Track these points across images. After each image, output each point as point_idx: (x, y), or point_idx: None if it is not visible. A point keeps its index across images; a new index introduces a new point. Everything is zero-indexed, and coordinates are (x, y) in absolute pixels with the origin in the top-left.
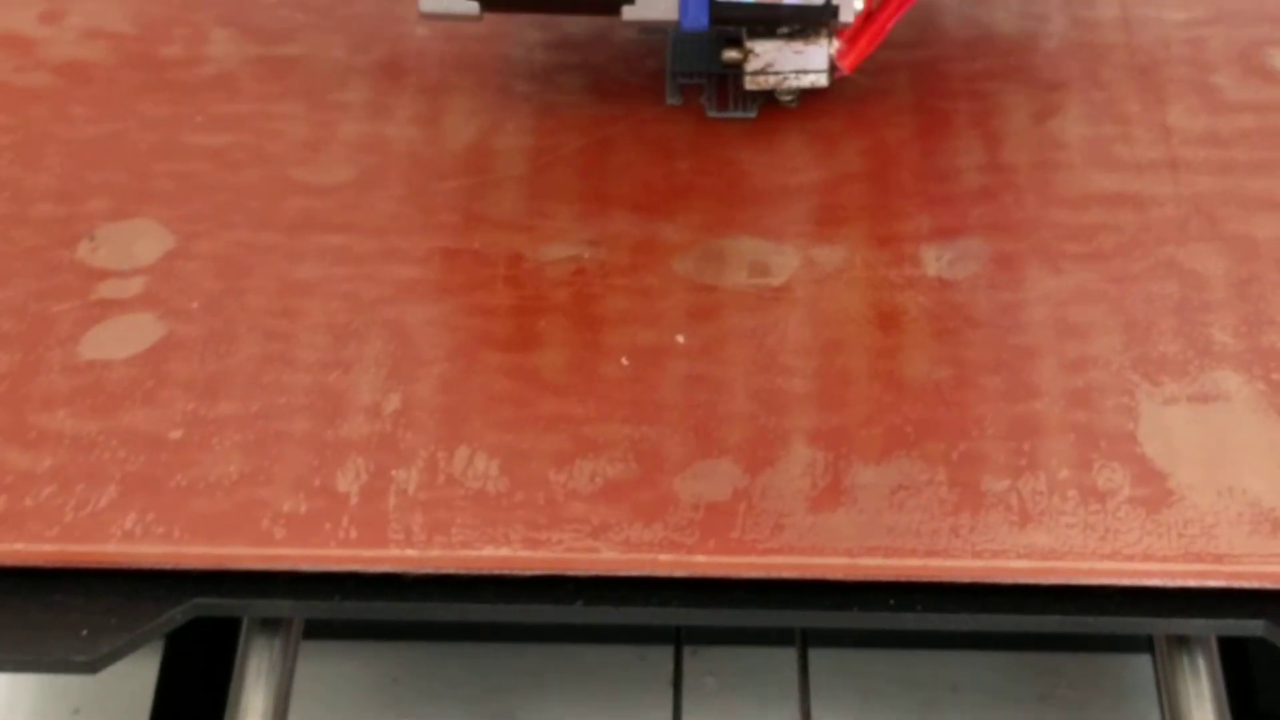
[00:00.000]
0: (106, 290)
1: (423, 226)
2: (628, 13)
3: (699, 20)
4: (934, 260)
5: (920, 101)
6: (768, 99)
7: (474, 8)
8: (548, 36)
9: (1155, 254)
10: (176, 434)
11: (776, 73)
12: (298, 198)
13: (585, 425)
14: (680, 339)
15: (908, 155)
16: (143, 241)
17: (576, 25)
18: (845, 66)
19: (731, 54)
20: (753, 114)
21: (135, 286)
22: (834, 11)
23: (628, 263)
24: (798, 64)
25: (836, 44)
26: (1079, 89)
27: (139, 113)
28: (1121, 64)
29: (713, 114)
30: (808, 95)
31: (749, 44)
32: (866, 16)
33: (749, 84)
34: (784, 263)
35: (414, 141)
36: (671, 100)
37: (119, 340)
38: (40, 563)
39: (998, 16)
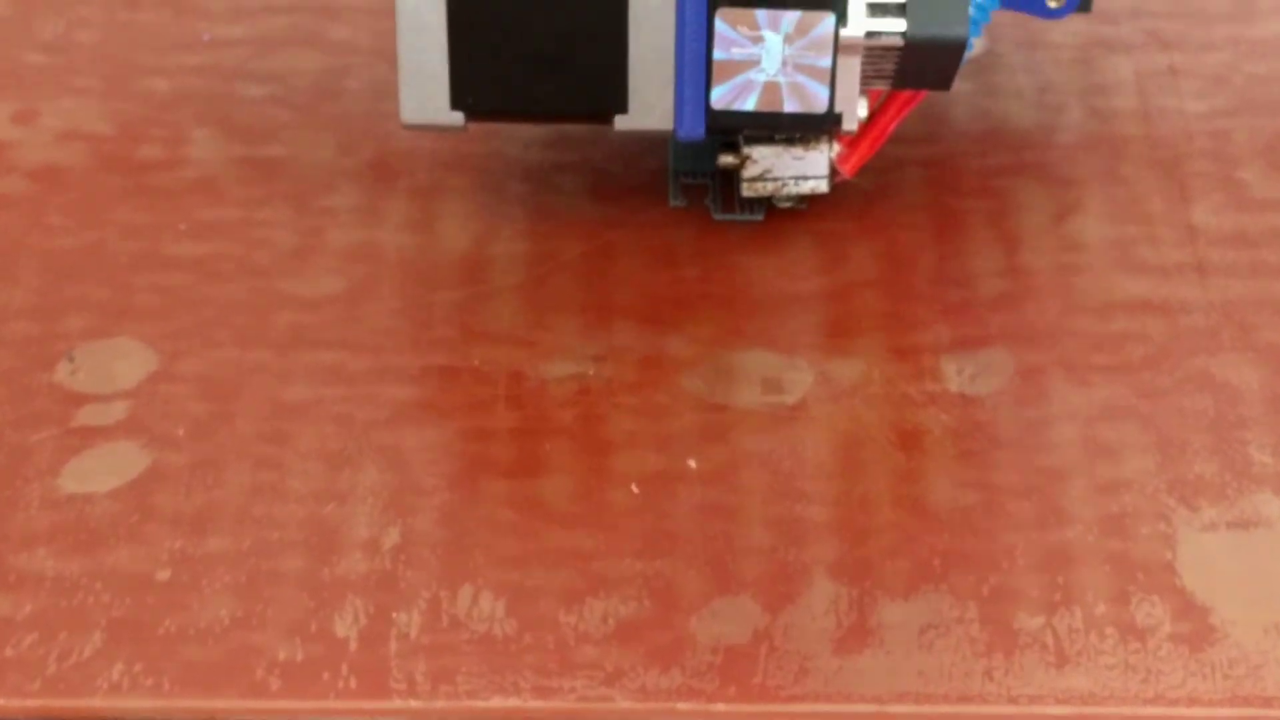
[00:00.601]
0: (87, 416)
1: (418, 342)
2: (620, 122)
3: (695, 129)
4: (955, 374)
5: (933, 200)
6: (768, 204)
7: (459, 119)
8: (544, 133)
9: (1186, 365)
10: (164, 574)
11: (775, 179)
12: (286, 311)
13: (595, 560)
14: (692, 463)
15: (923, 259)
16: (124, 362)
17: None
18: (846, 171)
19: (728, 159)
20: (759, 217)
21: (117, 412)
22: (837, 120)
23: (634, 379)
24: (797, 169)
25: (837, 147)
26: (1099, 185)
27: (118, 221)
28: (1142, 158)
29: (718, 217)
30: (816, 197)
31: (746, 149)
32: (868, 118)
33: (746, 190)
34: (798, 379)
35: (406, 249)
36: (675, 202)
37: (101, 471)
38: (24, 719)
39: (1010, 108)
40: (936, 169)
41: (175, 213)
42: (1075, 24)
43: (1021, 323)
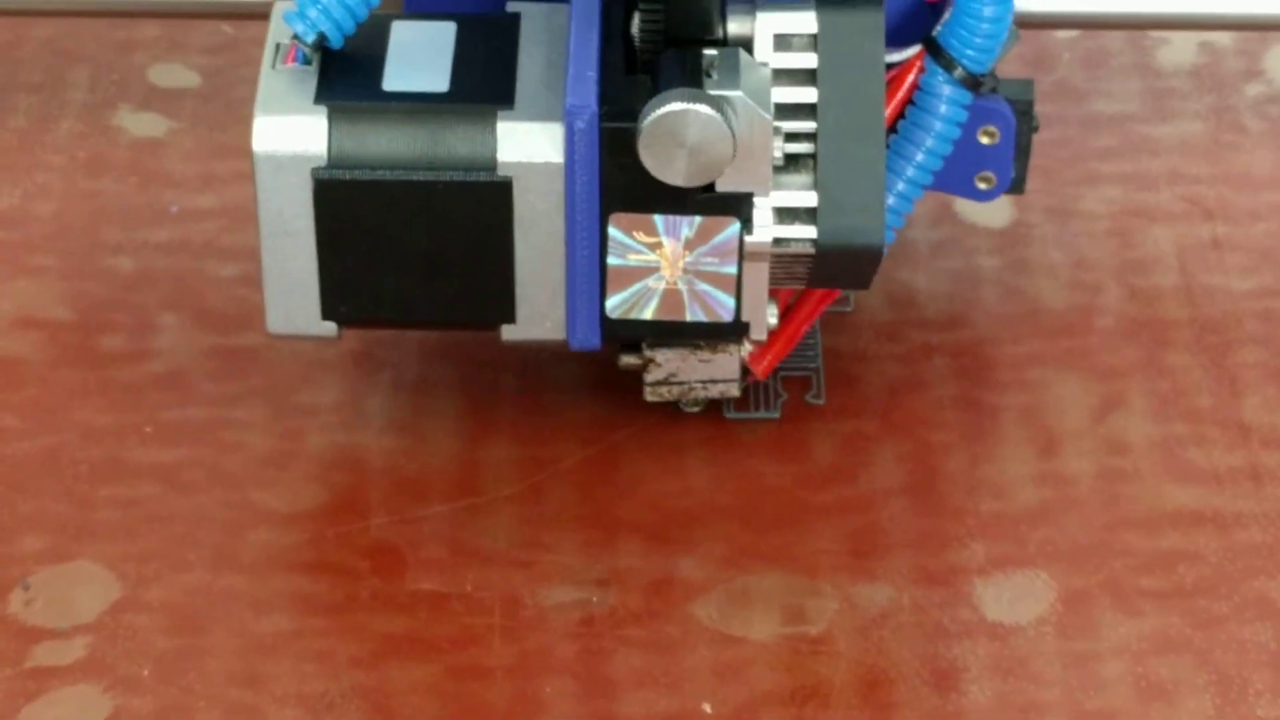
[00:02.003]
0: (43, 655)
1: (405, 564)
2: (507, 332)
3: (589, 340)
4: (992, 600)
5: (963, 394)
6: (700, 406)
7: (331, 329)
8: None
9: (1243, 589)
10: None
11: (681, 382)
12: (261, 528)
13: None
14: (707, 708)
15: (953, 463)
16: (84, 589)
17: None
18: (759, 373)
19: (629, 359)
20: (776, 414)
21: (77, 649)
22: (744, 328)
23: (642, 607)
24: (705, 373)
25: (747, 346)
26: (1142, 377)
27: (78, 422)
28: (1187, 345)
29: (730, 415)
30: (836, 388)
31: (649, 351)
32: (780, 316)
33: (650, 395)
34: (821, 606)
35: (392, 454)
36: None
37: None
38: None
39: (1043, 288)
40: (965, 358)
41: (140, 412)
42: (1110, 190)
43: (1063, 539)
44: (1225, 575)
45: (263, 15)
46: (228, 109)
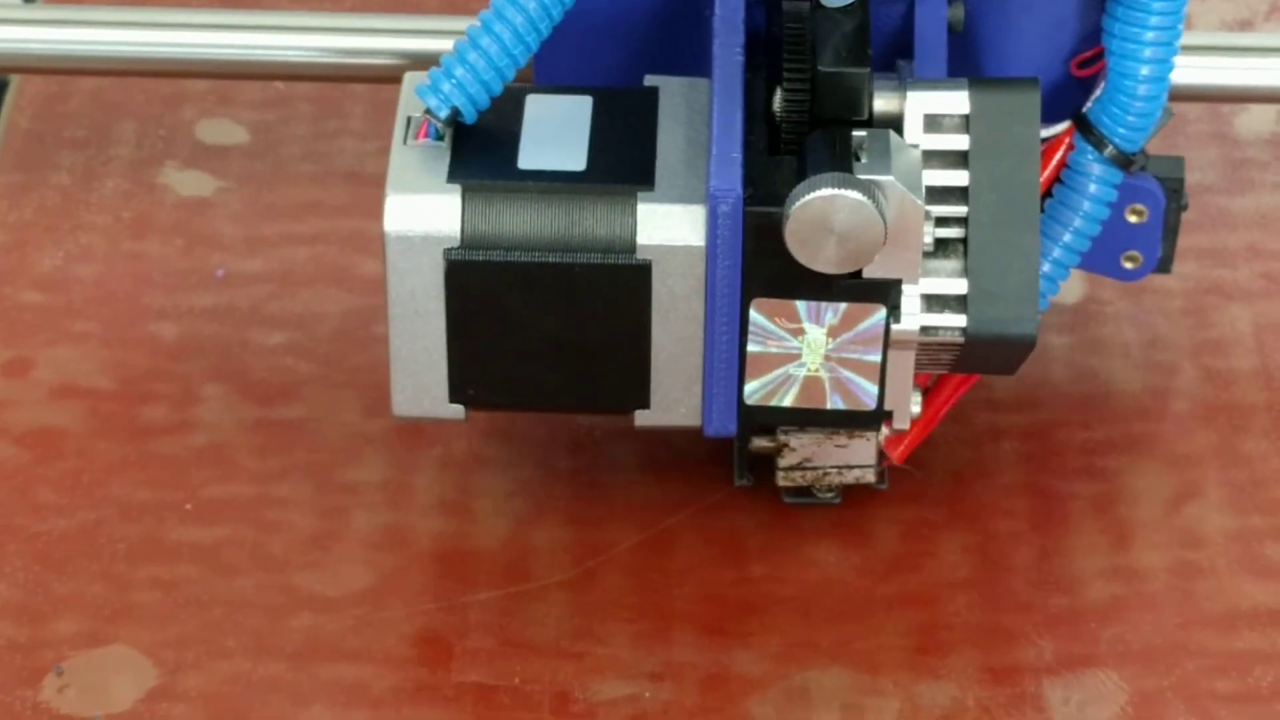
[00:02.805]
0: None
1: (452, 653)
2: (641, 418)
3: (725, 426)
4: (1060, 703)
5: (1031, 481)
6: (834, 492)
7: (459, 411)
8: None
9: None
10: None
11: (815, 468)
12: (304, 613)
13: None
14: None
15: (1021, 555)
16: (120, 677)
17: None
18: (895, 458)
19: (762, 443)
20: (837, 499)
21: None
22: (886, 417)
23: (696, 703)
24: (840, 458)
25: (885, 431)
26: (1218, 465)
27: (117, 498)
28: (1265, 431)
29: (789, 500)
30: (899, 472)
31: (783, 435)
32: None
33: (782, 479)
34: (882, 706)
35: (439, 536)
36: (740, 480)
37: None
38: None
39: (1116, 369)
40: (1034, 442)
41: (181, 489)
42: (1186, 265)
43: (1135, 638)
44: None
45: (311, 76)
46: (277, 168)
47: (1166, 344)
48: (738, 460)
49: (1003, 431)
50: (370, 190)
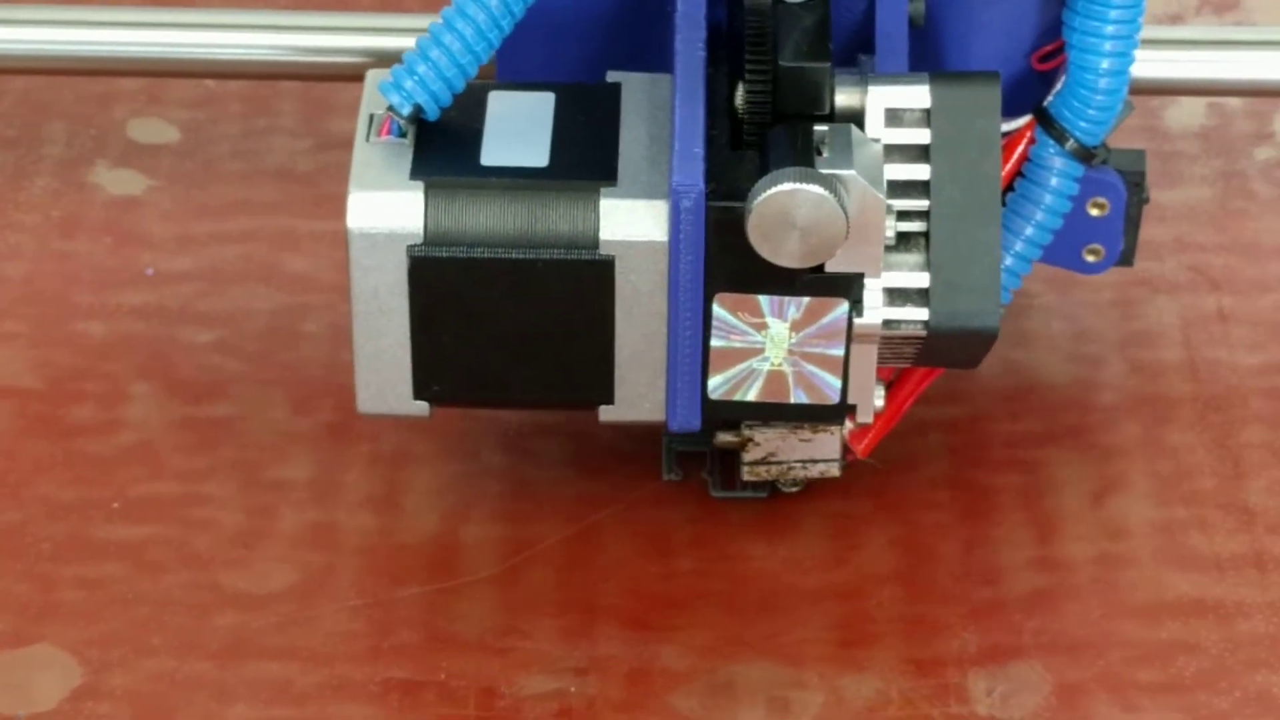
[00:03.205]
0: None
1: (377, 650)
2: (605, 413)
3: (689, 422)
4: (984, 695)
5: (957, 474)
6: (799, 486)
7: (423, 408)
8: None
9: (1245, 684)
10: None
11: (780, 462)
12: (229, 612)
13: None
14: None
15: (946, 548)
16: (44, 675)
17: None
18: (860, 452)
19: (727, 438)
20: (764, 493)
21: None
22: (850, 410)
23: (621, 698)
24: (805, 452)
25: (848, 425)
26: (1143, 457)
27: (43, 497)
28: (1190, 423)
29: (717, 494)
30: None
31: (748, 430)
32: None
33: (747, 474)
34: (806, 699)
35: (366, 533)
36: (669, 475)
37: None
38: None
39: (1043, 362)
40: (960, 435)
41: (108, 487)
42: None
43: (1059, 629)
44: (1226, 668)
45: (242, 75)
46: (207, 166)
47: (1093, 336)
48: (666, 455)
49: (929, 424)
50: (300, 189)
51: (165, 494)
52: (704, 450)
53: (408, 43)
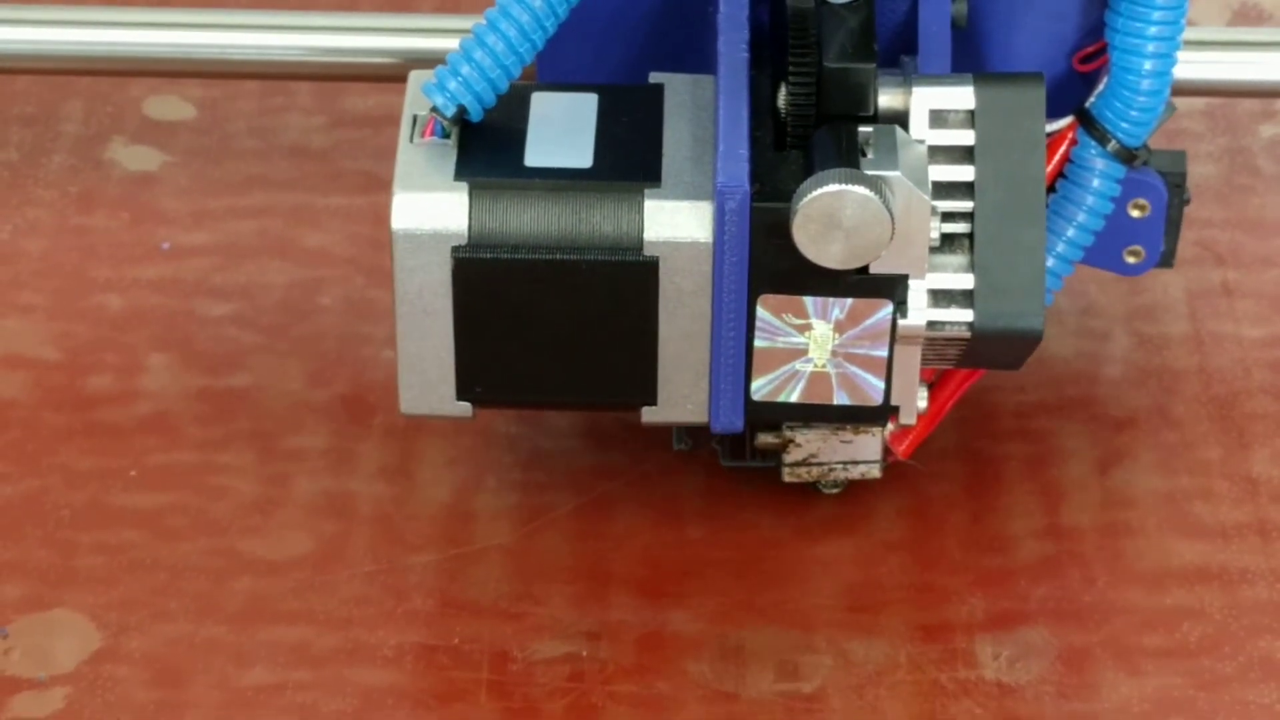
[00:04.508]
0: (20, 706)
1: (392, 615)
2: (648, 414)
3: (732, 423)
4: (991, 659)
5: (965, 444)
6: (840, 487)
7: (466, 409)
8: None
9: (1248, 649)
10: None
11: (821, 463)
12: (246, 577)
13: None
14: None
15: (954, 517)
16: (64, 640)
17: None
18: (901, 453)
19: (768, 439)
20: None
21: (55, 700)
22: (893, 412)
23: (633, 662)
24: (846, 454)
25: (890, 426)
26: (1148, 429)
27: (63, 466)
28: (1196, 395)
29: (726, 464)
30: None
31: (789, 431)
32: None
33: (788, 475)
34: (815, 662)
35: (381, 501)
36: (679, 445)
37: None
38: None
39: (1050, 334)
40: (968, 407)
41: (126, 456)
42: None
43: (1065, 595)
44: (1230, 634)
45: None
46: (223, 143)
47: (1100, 311)
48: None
49: None
50: (315, 165)
51: (182, 463)
52: None
53: (423, 43)
